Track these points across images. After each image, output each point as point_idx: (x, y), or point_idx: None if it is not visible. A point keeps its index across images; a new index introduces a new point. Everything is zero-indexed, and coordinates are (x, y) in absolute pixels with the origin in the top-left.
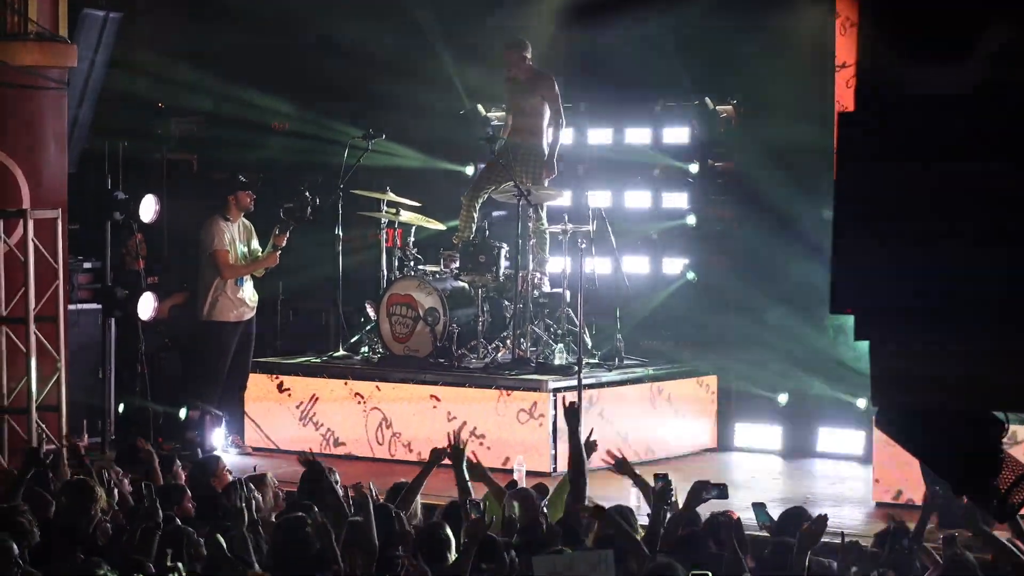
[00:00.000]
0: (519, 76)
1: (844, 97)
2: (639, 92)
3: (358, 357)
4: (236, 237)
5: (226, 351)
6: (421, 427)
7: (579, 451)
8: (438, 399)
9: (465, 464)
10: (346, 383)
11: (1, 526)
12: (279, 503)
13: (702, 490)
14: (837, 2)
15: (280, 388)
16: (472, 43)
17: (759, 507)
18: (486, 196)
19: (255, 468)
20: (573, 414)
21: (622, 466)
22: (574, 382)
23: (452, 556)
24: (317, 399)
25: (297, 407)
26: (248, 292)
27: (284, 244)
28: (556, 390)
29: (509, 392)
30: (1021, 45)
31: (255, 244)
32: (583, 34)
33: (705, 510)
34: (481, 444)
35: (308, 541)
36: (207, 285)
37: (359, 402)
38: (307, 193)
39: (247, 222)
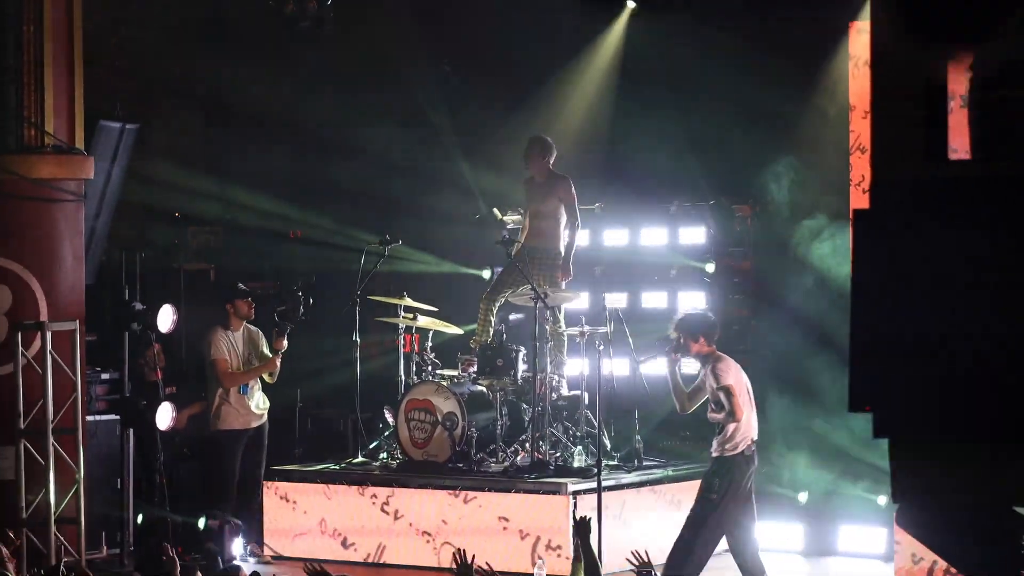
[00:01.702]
0: (537, 177)
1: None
2: (655, 193)
3: (377, 463)
4: (236, 345)
5: (234, 460)
6: (443, 533)
7: (594, 564)
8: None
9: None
10: (364, 489)
11: None
12: None
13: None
14: (850, 45)
15: (296, 496)
16: (488, 147)
17: None
18: (503, 300)
19: None
20: (585, 528)
21: (646, 570)
22: (593, 484)
23: None
24: (335, 506)
25: (315, 514)
26: (256, 400)
27: (284, 347)
28: (575, 493)
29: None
30: None
31: (265, 350)
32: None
33: None
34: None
35: None
36: (212, 395)
37: (377, 507)
38: (300, 294)
39: (253, 329)
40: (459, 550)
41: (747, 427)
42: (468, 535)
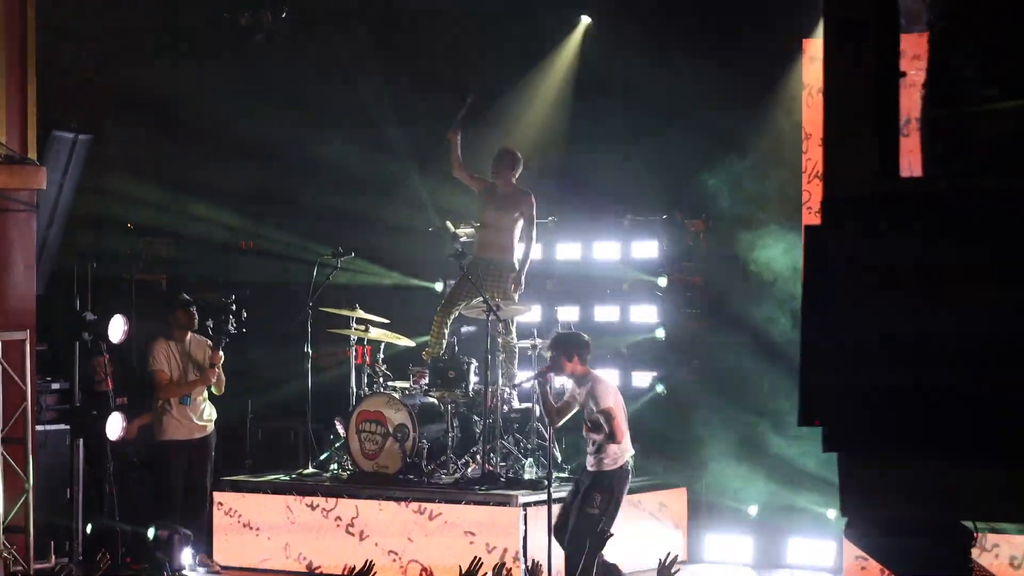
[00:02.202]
0: (501, 188)
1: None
2: (608, 207)
3: (327, 474)
4: (176, 356)
5: (177, 470)
6: (397, 544)
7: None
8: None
9: None
10: (314, 500)
11: None
12: None
13: None
14: (804, 73)
15: (245, 506)
16: (442, 161)
17: None
18: (457, 312)
19: None
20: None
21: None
22: (544, 496)
23: None
24: (286, 516)
25: (264, 524)
26: (200, 410)
27: (220, 360)
28: (526, 504)
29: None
30: None
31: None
32: (553, 151)
33: None
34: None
35: None
36: (155, 406)
37: (326, 518)
38: (232, 306)
39: (200, 339)
40: (476, 559)
41: (626, 445)
42: (434, 551)
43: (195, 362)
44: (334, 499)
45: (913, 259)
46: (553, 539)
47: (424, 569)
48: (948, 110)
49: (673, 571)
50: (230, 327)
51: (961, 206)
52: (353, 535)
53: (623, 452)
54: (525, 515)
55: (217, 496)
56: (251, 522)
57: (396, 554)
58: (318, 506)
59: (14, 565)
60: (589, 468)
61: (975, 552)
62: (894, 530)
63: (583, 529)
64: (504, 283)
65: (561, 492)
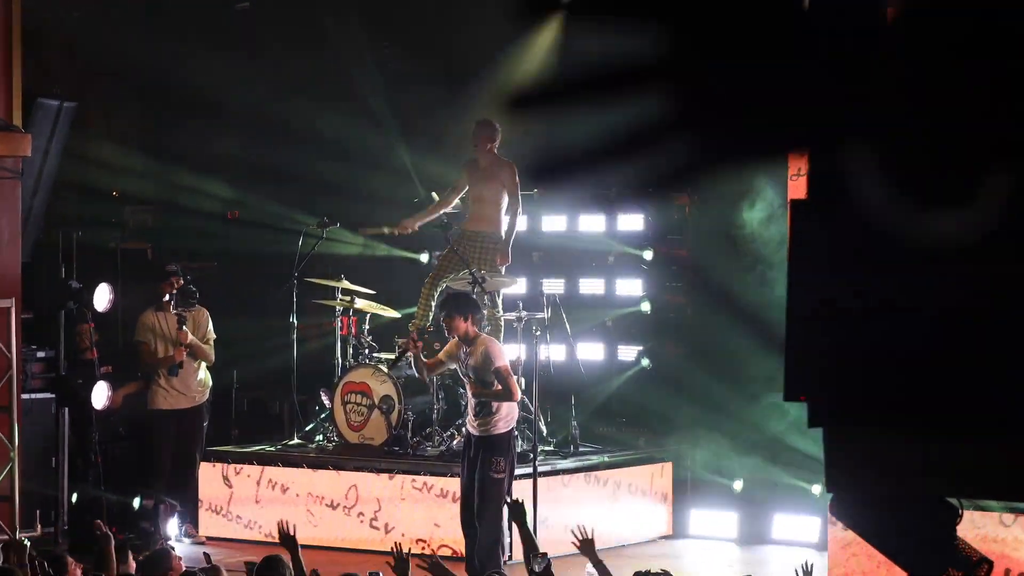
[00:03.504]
0: (482, 160)
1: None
2: (593, 179)
3: (312, 445)
4: (162, 328)
5: (163, 440)
6: (318, 480)
7: (532, 542)
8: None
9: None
10: (300, 471)
11: None
12: None
13: None
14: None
15: (232, 477)
16: (427, 131)
17: None
18: (444, 285)
19: (206, 557)
20: (518, 510)
21: (587, 547)
22: (529, 470)
23: None
24: (271, 487)
25: (250, 495)
26: (189, 380)
27: (188, 339)
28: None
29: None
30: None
31: (204, 331)
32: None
33: None
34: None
35: None
36: (147, 376)
37: (295, 476)
38: (188, 281)
39: (197, 309)
40: (396, 544)
41: (516, 405)
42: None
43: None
44: (318, 471)
45: (899, 233)
46: (539, 511)
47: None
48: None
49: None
50: (189, 303)
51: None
52: (340, 507)
53: (514, 412)
54: (503, 489)
55: (203, 467)
56: (236, 493)
57: (383, 526)
58: (302, 478)
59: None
60: (478, 432)
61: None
62: (879, 506)
63: (493, 496)
64: (490, 256)
65: (545, 466)
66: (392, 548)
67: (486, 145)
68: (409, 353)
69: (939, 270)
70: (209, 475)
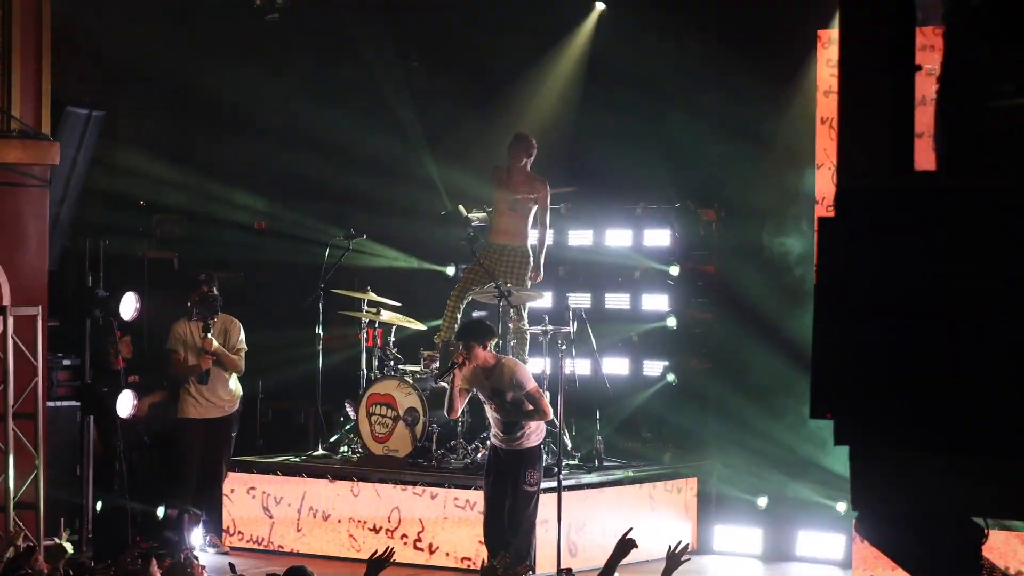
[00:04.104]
0: (516, 174)
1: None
2: (620, 195)
3: (337, 456)
4: (193, 337)
5: (191, 449)
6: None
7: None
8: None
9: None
10: (341, 496)
11: None
12: None
13: None
14: (818, 64)
15: (272, 508)
16: (454, 144)
17: None
18: (470, 297)
19: (231, 567)
20: (629, 547)
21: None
22: (554, 484)
23: None
24: (312, 515)
25: (274, 507)
26: (218, 390)
27: (213, 346)
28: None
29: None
30: None
31: (234, 341)
32: (564, 138)
33: None
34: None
35: None
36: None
37: (336, 502)
38: (210, 289)
39: (227, 318)
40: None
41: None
42: (445, 534)
43: (220, 341)
44: (344, 482)
45: (926, 252)
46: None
47: (464, 559)
48: (962, 104)
49: (682, 559)
50: (211, 310)
51: (974, 201)
52: (384, 530)
53: (543, 425)
54: (536, 501)
55: (240, 496)
56: (261, 503)
57: (427, 547)
58: (330, 488)
59: (24, 541)
60: (507, 447)
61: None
62: (904, 525)
63: (523, 508)
64: (517, 269)
65: (570, 480)
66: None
67: (521, 159)
68: (457, 368)
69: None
70: (247, 505)
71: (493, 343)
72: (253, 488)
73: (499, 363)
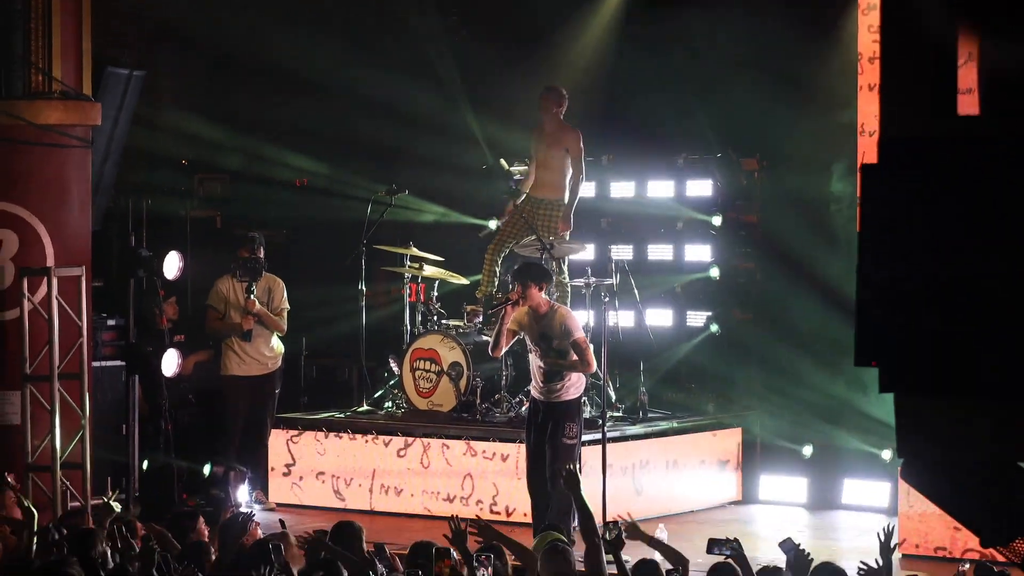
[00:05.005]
0: (548, 126)
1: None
2: (661, 145)
3: (382, 412)
4: (235, 294)
5: (236, 406)
6: (447, 483)
7: (586, 511)
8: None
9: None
10: (369, 438)
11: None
12: (300, 559)
13: (714, 547)
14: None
15: (344, 490)
16: (494, 98)
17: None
18: (508, 250)
19: (281, 523)
20: (573, 480)
21: (632, 531)
22: (598, 436)
23: None
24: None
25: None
26: (261, 347)
27: (255, 307)
28: (580, 443)
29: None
30: None
31: (278, 302)
32: (605, 89)
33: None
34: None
35: None
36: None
37: (367, 443)
38: (257, 247)
39: (271, 277)
40: (454, 516)
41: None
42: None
43: (263, 300)
44: (387, 437)
45: (968, 198)
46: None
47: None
48: (1006, 51)
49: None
50: (255, 273)
51: (1018, 146)
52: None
53: (583, 378)
54: (579, 454)
55: (273, 433)
56: (306, 460)
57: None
58: (371, 443)
59: (71, 500)
60: (546, 399)
61: None
62: (950, 471)
63: (564, 461)
64: (555, 222)
65: (614, 432)
66: (450, 521)
67: (552, 110)
68: (510, 305)
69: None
70: (277, 441)
71: (550, 287)
72: (323, 473)
73: (552, 308)
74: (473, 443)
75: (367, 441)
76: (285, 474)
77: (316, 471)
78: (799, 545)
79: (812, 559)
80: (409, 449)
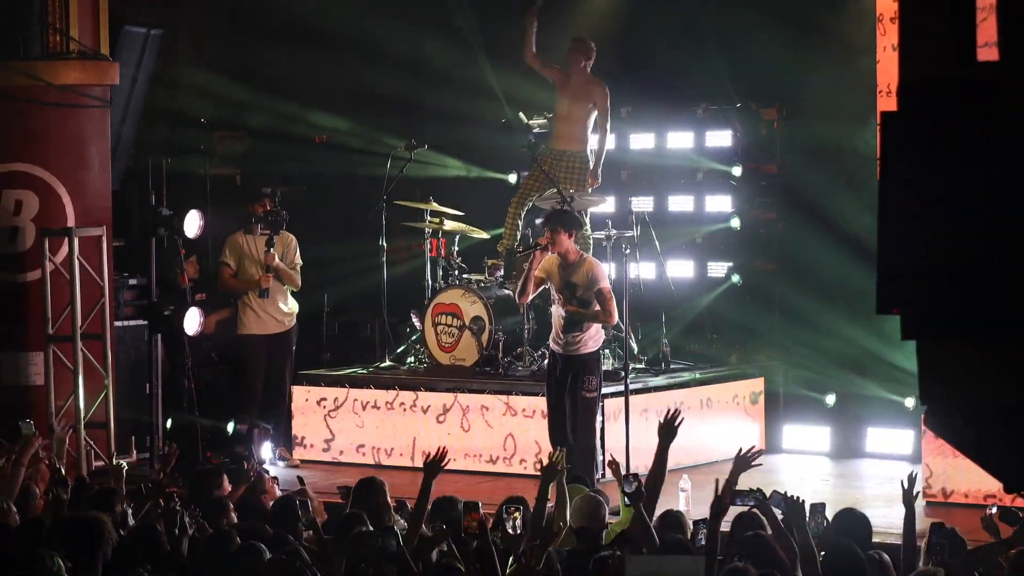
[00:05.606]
0: (575, 78)
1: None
2: (681, 96)
3: (404, 367)
4: (250, 250)
5: (254, 364)
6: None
7: (663, 466)
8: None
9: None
10: (393, 393)
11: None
12: (322, 513)
13: (737, 498)
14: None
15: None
16: (514, 52)
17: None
18: (531, 204)
19: (299, 480)
20: (670, 431)
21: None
22: (621, 387)
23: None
24: (363, 409)
25: (343, 418)
26: (279, 304)
27: (275, 262)
28: (603, 396)
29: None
30: None
31: (292, 257)
32: (624, 39)
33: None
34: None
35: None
36: (237, 299)
37: (405, 412)
38: (276, 204)
39: (285, 234)
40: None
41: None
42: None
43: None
44: (412, 392)
45: (990, 143)
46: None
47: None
48: None
49: (753, 463)
50: (277, 226)
51: None
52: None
53: (602, 331)
54: (603, 406)
55: (295, 390)
56: (345, 435)
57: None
58: (395, 400)
59: (96, 459)
60: (564, 351)
61: None
62: (975, 418)
63: (583, 414)
64: (579, 175)
65: (637, 383)
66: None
67: (580, 63)
68: (539, 250)
69: None
70: (300, 398)
71: (580, 234)
72: (363, 446)
73: (581, 258)
74: (512, 400)
75: (406, 410)
76: (325, 449)
77: (356, 444)
78: (785, 493)
79: (803, 500)
80: (448, 414)
